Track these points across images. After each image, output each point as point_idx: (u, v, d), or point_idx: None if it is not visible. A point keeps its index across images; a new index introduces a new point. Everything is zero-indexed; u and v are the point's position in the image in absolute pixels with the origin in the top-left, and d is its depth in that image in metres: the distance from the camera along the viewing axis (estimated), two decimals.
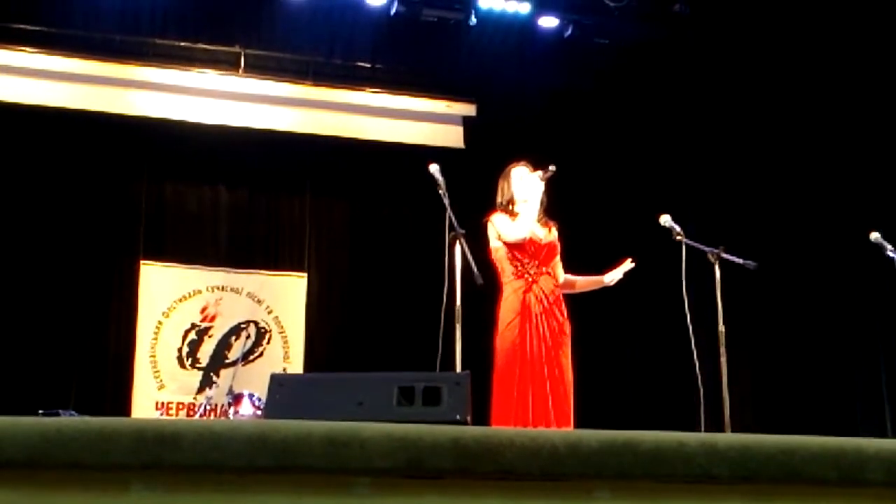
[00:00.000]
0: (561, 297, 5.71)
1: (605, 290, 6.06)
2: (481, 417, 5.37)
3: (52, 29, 8.95)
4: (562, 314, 5.64)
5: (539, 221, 5.72)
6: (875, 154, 8.97)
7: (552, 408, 5.39)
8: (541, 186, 5.69)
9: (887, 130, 8.84)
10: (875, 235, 6.35)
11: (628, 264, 5.89)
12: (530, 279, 5.59)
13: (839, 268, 9.12)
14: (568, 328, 5.64)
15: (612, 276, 5.90)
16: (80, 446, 1.85)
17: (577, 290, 5.97)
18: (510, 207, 5.74)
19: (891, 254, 6.27)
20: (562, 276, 5.84)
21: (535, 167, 5.82)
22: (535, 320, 5.50)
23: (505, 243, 5.64)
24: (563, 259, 5.91)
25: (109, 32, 9.05)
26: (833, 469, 2.11)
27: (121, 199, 9.22)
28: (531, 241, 5.62)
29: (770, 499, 2.09)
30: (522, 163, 5.84)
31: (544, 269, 5.64)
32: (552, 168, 5.69)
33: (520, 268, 5.60)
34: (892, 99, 8.78)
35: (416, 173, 6.05)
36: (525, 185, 5.73)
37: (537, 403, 5.39)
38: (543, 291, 5.58)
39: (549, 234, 5.73)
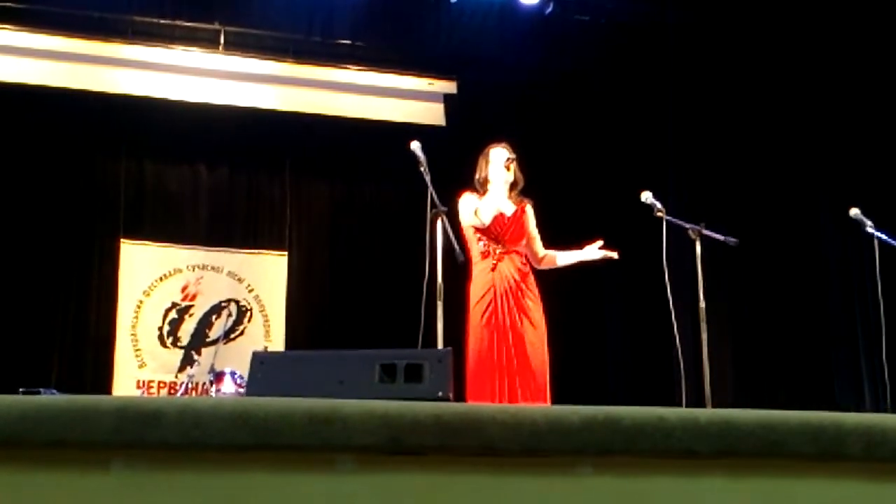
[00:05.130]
0: (530, 275, 5.76)
1: (586, 267, 6.08)
2: (463, 394, 5.40)
3: (31, 6, 8.88)
4: (532, 292, 5.68)
5: (511, 199, 5.78)
6: (855, 130, 9.00)
7: (519, 386, 5.45)
8: (505, 173, 5.78)
9: (867, 107, 8.87)
10: (855, 211, 6.38)
11: (610, 253, 5.90)
12: (495, 259, 5.66)
13: (819, 244, 9.16)
14: (537, 306, 5.67)
15: (590, 253, 5.91)
16: (60, 425, 1.85)
17: (560, 266, 6.00)
18: (486, 187, 5.81)
19: (870, 230, 6.30)
20: (541, 251, 5.91)
21: (516, 147, 5.87)
22: (499, 300, 5.57)
23: (471, 224, 5.72)
24: (545, 237, 5.95)
25: (89, 10, 8.98)
26: (812, 444, 2.12)
27: (100, 178, 9.20)
28: (495, 223, 5.67)
29: (750, 473, 2.11)
30: (503, 144, 5.89)
31: (510, 248, 5.70)
32: (511, 156, 5.79)
33: (485, 248, 5.69)
34: (872, 75, 8.80)
35: (397, 151, 6.03)
36: (497, 168, 5.79)
37: (505, 380, 5.46)
38: (509, 270, 5.64)
39: (516, 212, 5.77)
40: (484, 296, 5.57)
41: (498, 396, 5.40)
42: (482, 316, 5.54)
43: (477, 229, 5.70)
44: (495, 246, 5.67)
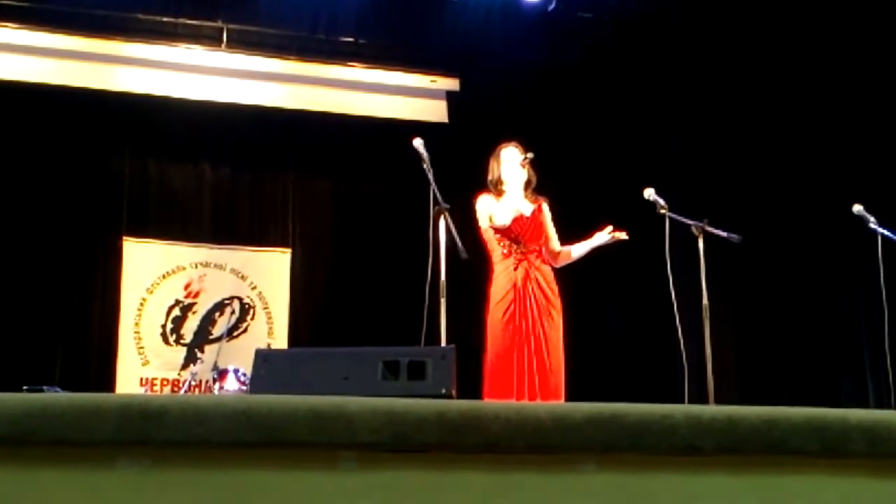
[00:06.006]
0: (550, 273, 5.80)
1: (590, 264, 6.09)
2: (467, 391, 5.40)
3: (35, 4, 8.87)
4: (552, 291, 5.73)
5: (527, 198, 5.79)
6: (858, 127, 8.98)
7: (538, 385, 5.47)
8: (520, 172, 5.81)
9: (871, 103, 8.85)
10: (858, 208, 6.38)
11: (619, 234, 5.92)
12: (518, 258, 5.69)
13: (822, 240, 9.14)
14: (557, 304, 5.70)
15: (601, 238, 5.93)
16: (65, 423, 1.85)
17: (576, 259, 6.01)
18: (499, 187, 5.82)
19: (873, 226, 6.30)
20: (558, 247, 5.96)
21: (523, 145, 5.88)
22: (520, 299, 5.61)
23: (490, 225, 5.71)
24: None
25: (92, 8, 8.96)
26: (816, 440, 2.12)
27: (104, 176, 9.18)
28: (516, 223, 5.69)
29: (754, 470, 2.11)
30: (513, 143, 5.92)
31: (531, 247, 5.72)
32: (529, 155, 5.80)
33: (507, 247, 5.71)
34: (876, 72, 8.78)
35: (400, 148, 6.04)
36: (510, 167, 5.79)
37: (524, 378, 5.47)
38: (530, 270, 5.67)
39: (534, 211, 5.79)
40: (505, 295, 5.61)
41: (516, 394, 5.43)
42: (503, 315, 5.58)
43: (497, 231, 5.72)
44: (516, 246, 5.70)
